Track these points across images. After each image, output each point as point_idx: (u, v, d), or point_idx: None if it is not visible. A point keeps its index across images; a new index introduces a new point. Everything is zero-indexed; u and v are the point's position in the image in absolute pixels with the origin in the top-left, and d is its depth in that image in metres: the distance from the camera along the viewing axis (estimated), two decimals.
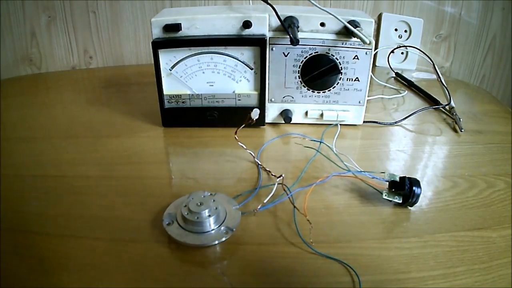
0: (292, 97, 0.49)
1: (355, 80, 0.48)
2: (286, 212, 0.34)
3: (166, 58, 0.46)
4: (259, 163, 0.41)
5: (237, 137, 0.38)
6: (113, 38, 0.77)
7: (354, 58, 0.46)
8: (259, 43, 0.45)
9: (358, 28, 0.43)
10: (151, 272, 0.27)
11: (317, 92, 0.49)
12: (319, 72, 0.46)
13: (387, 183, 0.35)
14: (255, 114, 0.39)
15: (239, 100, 0.48)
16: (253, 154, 0.41)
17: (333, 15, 0.44)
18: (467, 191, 0.38)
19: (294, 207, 0.34)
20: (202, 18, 0.45)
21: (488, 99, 0.66)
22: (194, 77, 0.47)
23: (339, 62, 0.46)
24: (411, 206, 0.35)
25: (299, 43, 0.43)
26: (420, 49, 0.72)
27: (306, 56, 0.46)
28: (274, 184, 0.35)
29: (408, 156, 0.45)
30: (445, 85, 0.60)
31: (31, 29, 0.73)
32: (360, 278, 0.27)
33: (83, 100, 0.61)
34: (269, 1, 0.45)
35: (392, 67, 0.71)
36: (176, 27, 0.44)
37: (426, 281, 0.27)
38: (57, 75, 0.74)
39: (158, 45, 0.45)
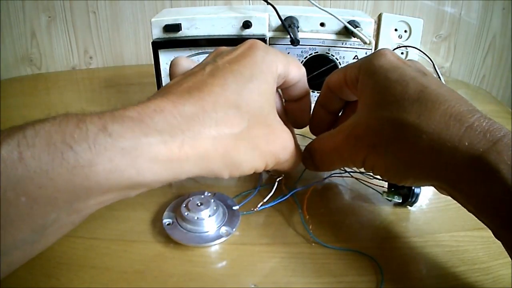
0: None
1: None
2: (286, 212, 0.34)
3: (166, 58, 0.46)
4: None
5: None
6: (113, 38, 0.77)
7: (354, 58, 0.46)
8: None
9: (358, 28, 0.44)
10: (151, 272, 0.27)
11: (317, 92, 0.48)
12: (319, 72, 0.46)
13: (387, 182, 0.35)
14: None
15: None
16: None
17: (333, 15, 0.44)
18: None
19: (297, 207, 0.34)
20: (202, 18, 0.45)
21: (488, 99, 0.66)
22: None
23: (339, 62, 0.46)
24: (411, 205, 0.35)
25: (299, 43, 0.43)
26: (420, 49, 0.72)
27: (306, 56, 0.46)
28: (274, 184, 0.35)
29: None
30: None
31: (31, 29, 0.73)
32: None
33: (83, 100, 0.61)
34: (269, 1, 0.45)
35: None
36: (176, 27, 0.44)
37: (426, 281, 0.27)
38: (57, 75, 0.74)
39: (158, 45, 0.45)
